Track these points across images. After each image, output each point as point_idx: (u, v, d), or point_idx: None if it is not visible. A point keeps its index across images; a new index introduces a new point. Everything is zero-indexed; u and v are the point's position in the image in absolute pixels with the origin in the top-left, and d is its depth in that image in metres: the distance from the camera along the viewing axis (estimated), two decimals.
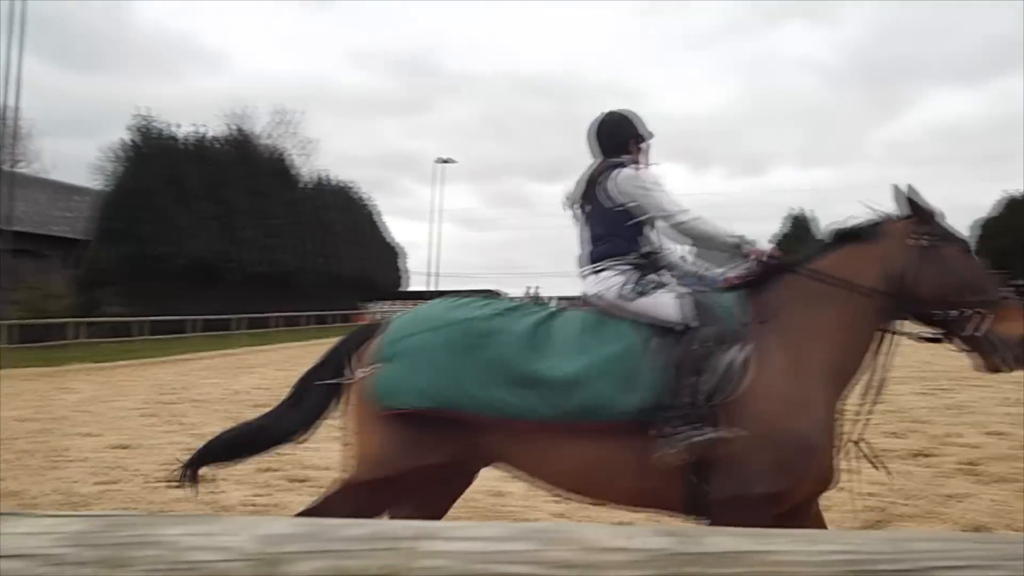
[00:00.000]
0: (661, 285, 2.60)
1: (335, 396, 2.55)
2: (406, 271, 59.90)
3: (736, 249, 2.67)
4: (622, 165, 2.76)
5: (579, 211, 2.82)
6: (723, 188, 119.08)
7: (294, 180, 41.03)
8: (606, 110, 2.95)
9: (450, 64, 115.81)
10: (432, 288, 51.68)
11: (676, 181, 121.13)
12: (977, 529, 4.13)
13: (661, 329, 2.45)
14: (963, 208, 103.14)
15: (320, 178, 45.34)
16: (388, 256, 56.68)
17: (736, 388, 2.29)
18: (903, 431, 7.11)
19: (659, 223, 2.72)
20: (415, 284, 60.55)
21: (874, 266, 2.53)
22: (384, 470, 2.36)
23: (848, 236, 2.66)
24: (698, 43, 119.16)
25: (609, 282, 2.63)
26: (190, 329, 26.15)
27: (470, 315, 2.49)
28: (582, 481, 2.42)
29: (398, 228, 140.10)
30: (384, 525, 0.81)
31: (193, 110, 54.36)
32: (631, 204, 2.68)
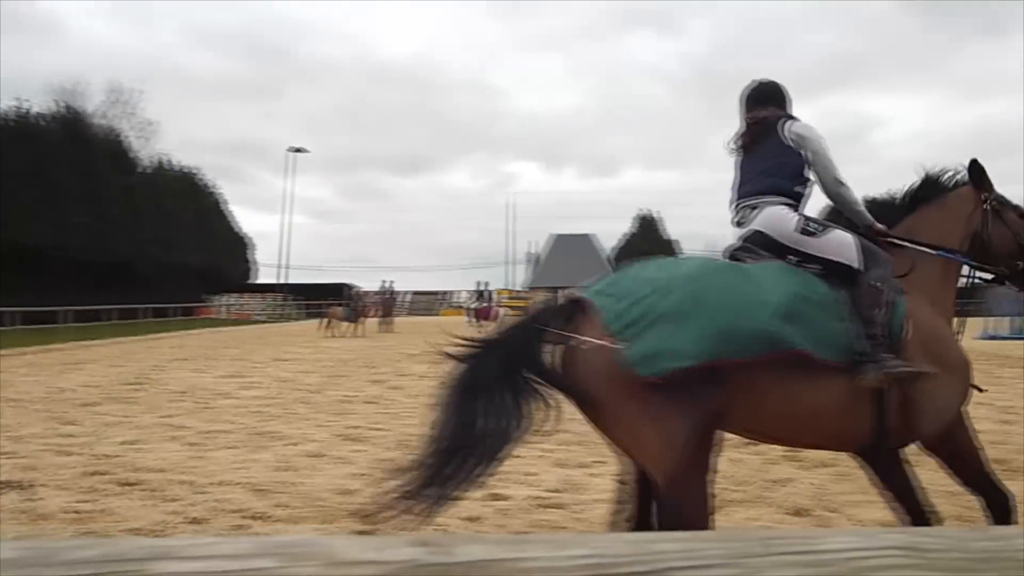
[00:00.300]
0: (829, 226, 2.76)
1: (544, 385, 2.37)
2: (254, 263, 57.43)
3: (867, 224, 3.00)
4: (793, 118, 2.93)
5: (740, 150, 2.98)
6: (577, 187, 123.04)
7: (131, 164, 38.26)
8: (759, 78, 3.13)
9: (303, 50, 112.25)
10: (282, 281, 49.82)
11: (531, 178, 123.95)
12: (798, 512, 4.37)
13: (837, 267, 2.61)
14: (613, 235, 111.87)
15: (161, 162, 42.57)
16: (235, 247, 54.07)
17: (907, 325, 2.51)
18: None
19: (824, 176, 2.92)
20: (264, 276, 58.21)
21: (959, 227, 2.93)
22: (681, 443, 2.21)
23: (923, 197, 3.04)
24: (555, 44, 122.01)
25: (783, 214, 2.74)
26: (8, 322, 23.79)
27: (681, 272, 2.42)
28: (792, 424, 2.45)
29: (246, 218, 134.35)
30: (115, 545, 0.68)
31: (14, 83, 49.62)
32: (801, 150, 2.84)
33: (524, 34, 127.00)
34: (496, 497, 4.70)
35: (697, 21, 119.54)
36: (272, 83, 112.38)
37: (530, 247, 76.62)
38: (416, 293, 69.87)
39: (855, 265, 2.62)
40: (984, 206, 2.99)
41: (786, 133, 2.87)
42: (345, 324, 25.72)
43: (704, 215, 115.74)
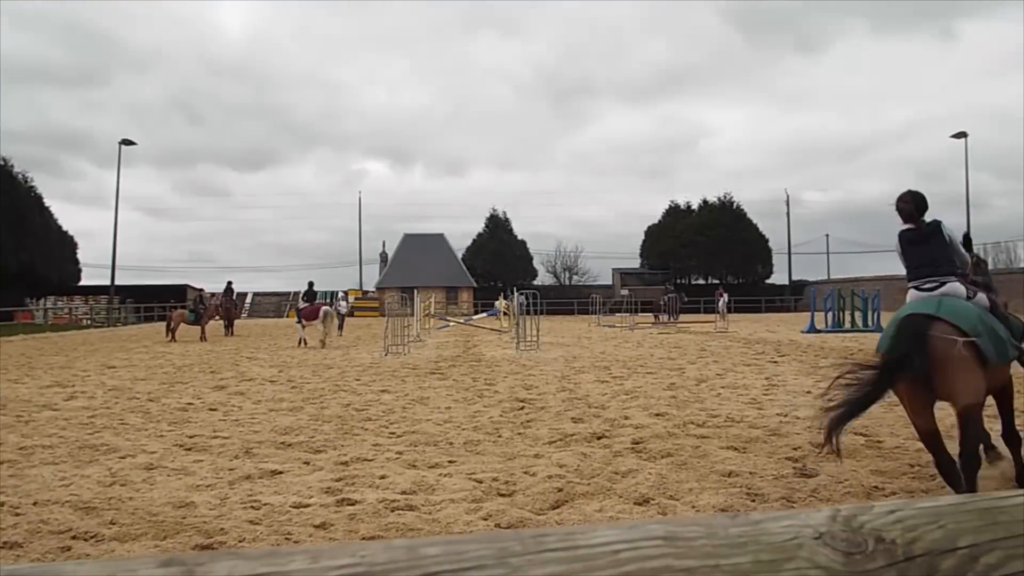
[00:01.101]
0: (976, 290, 4.61)
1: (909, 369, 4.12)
2: (80, 263, 52.94)
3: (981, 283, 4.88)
4: (940, 221, 4.73)
5: (916, 244, 4.71)
6: (427, 186, 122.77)
7: None
8: (910, 188, 4.87)
9: (130, 37, 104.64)
10: (113, 283, 46.12)
11: (380, 177, 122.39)
12: (644, 501, 4.57)
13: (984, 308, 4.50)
14: (638, 216, 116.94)
15: None
16: (58, 246, 49.62)
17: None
18: (585, 416, 7.74)
19: (960, 257, 4.74)
20: (94, 278, 53.80)
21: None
22: (984, 394, 4.29)
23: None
24: (400, 43, 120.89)
25: (958, 287, 4.52)
26: None
27: (973, 308, 4.38)
28: (973, 395, 4.15)
29: (70, 215, 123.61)
30: None
31: None
32: (952, 245, 4.67)
33: (368, 32, 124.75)
34: (346, 502, 4.60)
35: (540, 25, 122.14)
36: (96, 70, 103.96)
37: (383, 247, 75.21)
38: (260, 294, 67.18)
39: (990, 306, 4.61)
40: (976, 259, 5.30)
41: (946, 233, 4.65)
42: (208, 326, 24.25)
43: (551, 216, 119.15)
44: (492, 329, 27.99)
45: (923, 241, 4.70)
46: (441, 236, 70.74)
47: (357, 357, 16.69)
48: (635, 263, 74.68)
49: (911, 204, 4.78)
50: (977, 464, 4.16)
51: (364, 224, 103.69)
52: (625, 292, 53.91)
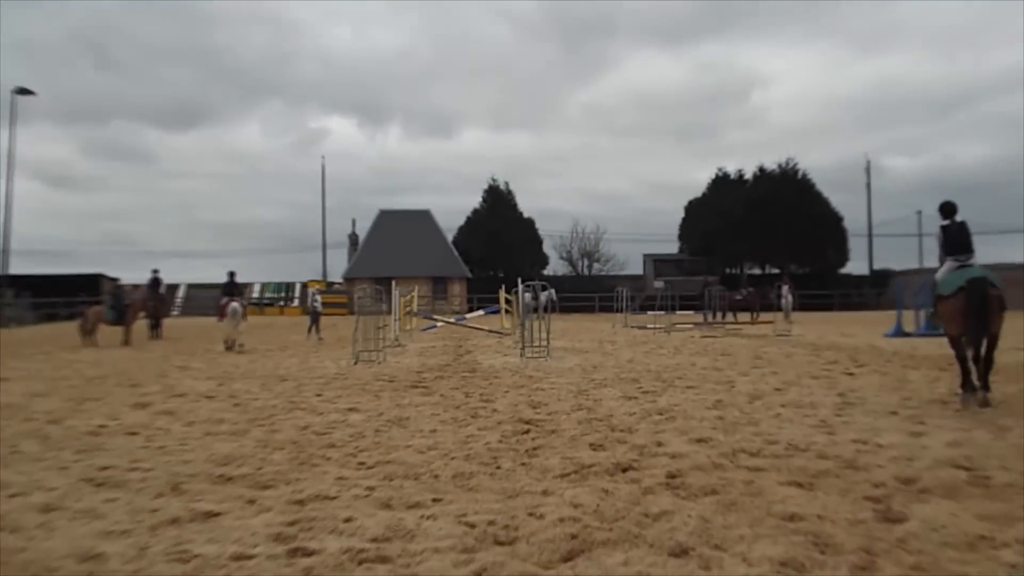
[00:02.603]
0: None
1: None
2: None
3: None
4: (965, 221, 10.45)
5: (954, 234, 10.27)
6: (406, 150, 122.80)
7: None
8: (946, 199, 10.66)
9: None
10: (6, 272, 46.11)
11: (346, 138, 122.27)
12: (681, 552, 4.52)
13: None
14: (675, 188, 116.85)
15: None
16: None
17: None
18: (607, 442, 7.69)
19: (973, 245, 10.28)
20: None
21: None
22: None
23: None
24: None
25: (976, 260, 10.06)
26: None
27: (993, 274, 9.82)
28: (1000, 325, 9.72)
29: None
30: None
31: None
32: (970, 235, 10.29)
33: None
34: (300, 552, 4.55)
35: None
36: None
37: (352, 227, 75.27)
38: (195, 287, 67.31)
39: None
40: None
41: (969, 230, 10.28)
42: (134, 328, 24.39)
43: (565, 188, 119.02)
44: (490, 331, 27.98)
45: (959, 231, 10.31)
46: (426, 213, 70.86)
47: (318, 366, 16.68)
48: (672, 247, 74.85)
49: (951, 208, 10.46)
50: (992, 364, 9.62)
51: (328, 198, 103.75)
52: (659, 284, 53.98)
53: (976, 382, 9.65)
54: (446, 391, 12.06)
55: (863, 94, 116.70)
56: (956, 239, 10.30)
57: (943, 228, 10.42)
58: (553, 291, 45.40)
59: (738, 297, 38.81)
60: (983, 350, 9.52)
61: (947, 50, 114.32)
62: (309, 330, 27.54)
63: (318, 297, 30.40)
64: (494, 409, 10.06)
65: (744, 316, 37.68)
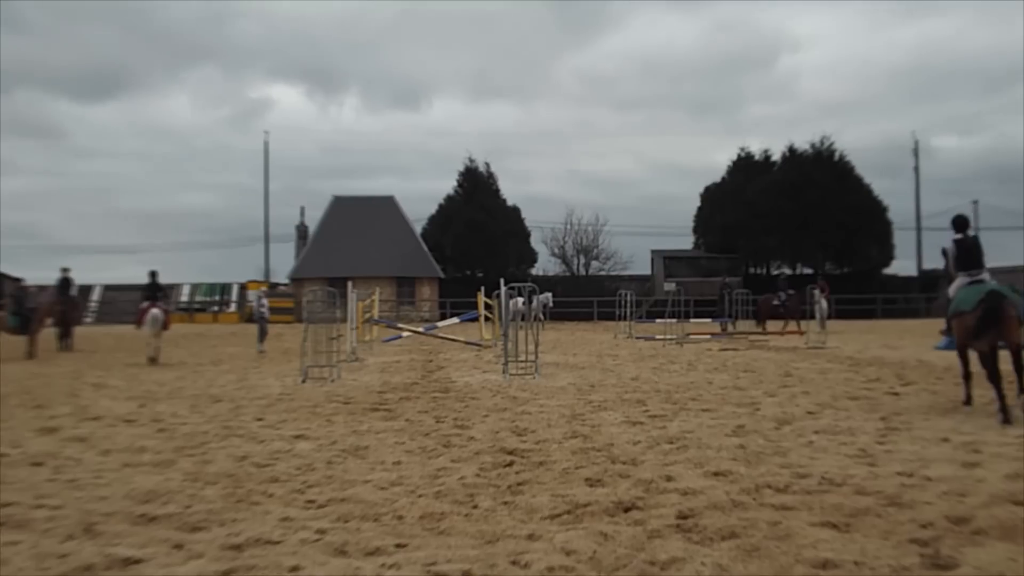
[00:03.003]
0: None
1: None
2: None
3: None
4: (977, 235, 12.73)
5: (967, 248, 12.20)
6: (365, 125, 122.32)
7: None
8: (959, 213, 12.84)
9: None
10: None
11: (293, 110, 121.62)
12: None
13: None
14: (689, 171, 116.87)
15: None
16: None
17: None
18: (607, 476, 7.71)
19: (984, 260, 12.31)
20: None
21: None
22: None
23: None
24: None
25: (987, 276, 12.06)
26: None
27: (1009, 288, 11.82)
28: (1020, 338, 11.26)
29: None
30: None
31: None
32: (982, 250, 12.29)
33: None
34: None
35: None
36: None
37: (301, 216, 75.09)
38: (113, 288, 66.94)
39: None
40: None
41: (981, 245, 12.28)
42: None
43: (557, 170, 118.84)
44: (467, 343, 27.97)
45: (972, 246, 12.15)
46: (389, 200, 70.79)
47: (259, 384, 16.66)
48: (686, 242, 75.01)
49: (963, 222, 12.39)
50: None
51: (272, 182, 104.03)
52: (671, 286, 54.03)
53: (970, 393, 12.17)
54: (413, 415, 12.07)
55: (909, 62, 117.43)
56: (969, 254, 12.15)
57: (956, 243, 12.26)
58: (549, 296, 45.43)
59: (776, 302, 38.51)
60: (1020, 358, 11.17)
61: (1005, 13, 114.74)
62: (261, 340, 27.50)
63: (265, 301, 30.30)
64: (471, 437, 10.08)
65: (777, 325, 37.41)
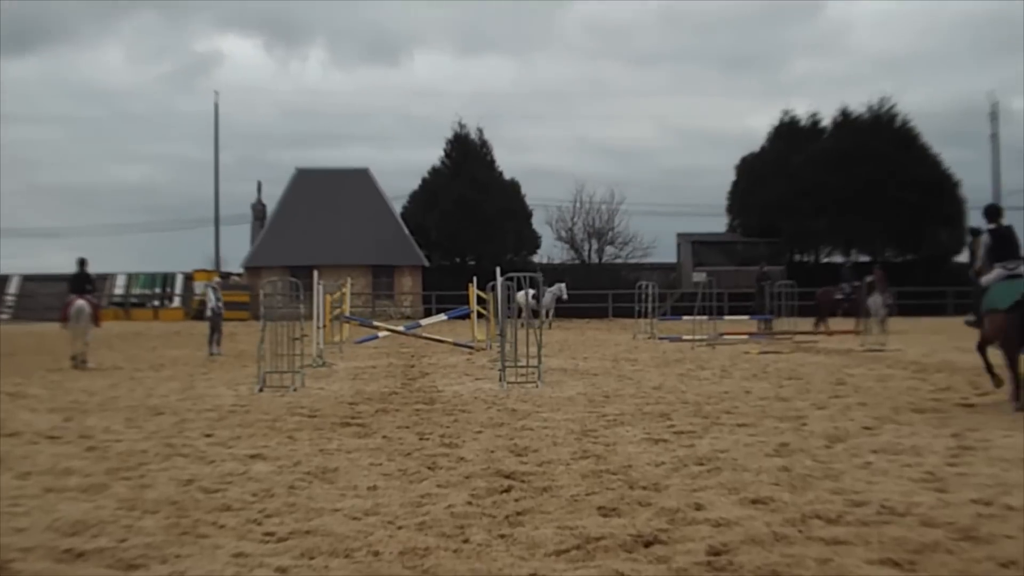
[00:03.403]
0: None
1: None
2: None
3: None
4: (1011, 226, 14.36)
5: (1004, 239, 13.71)
6: (331, 84, 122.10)
7: None
8: (991, 203, 16.48)
9: None
10: None
11: (248, 66, 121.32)
12: None
13: None
14: (721, 140, 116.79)
15: None
16: None
17: None
18: (624, 504, 7.71)
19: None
20: None
21: None
22: None
23: None
24: None
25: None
26: None
27: None
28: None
29: None
30: None
31: None
32: (1018, 240, 13.99)
33: None
34: None
35: None
36: None
37: (258, 192, 75.01)
38: (32, 279, 66.91)
39: None
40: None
41: (1015, 234, 13.78)
42: None
43: (563, 138, 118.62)
44: (457, 344, 27.96)
45: (1008, 236, 13.55)
46: (363, 174, 70.87)
47: (209, 394, 16.66)
48: (718, 224, 75.15)
49: (997, 212, 14.03)
50: None
51: (223, 152, 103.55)
52: (701, 277, 54.12)
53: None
54: (391, 431, 12.07)
55: (985, 8, 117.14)
56: (1005, 245, 13.61)
57: (991, 232, 13.81)
58: (563, 287, 45.43)
59: (839, 296, 38.16)
60: None
61: None
62: (211, 341, 27.52)
63: (220, 293, 30.23)
64: (460, 457, 10.08)
65: (843, 323, 36.88)
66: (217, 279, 36.04)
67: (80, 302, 22.69)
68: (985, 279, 13.71)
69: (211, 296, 29.57)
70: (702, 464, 9.45)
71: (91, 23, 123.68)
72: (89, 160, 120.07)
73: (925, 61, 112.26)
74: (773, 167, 69.47)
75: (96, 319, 23.51)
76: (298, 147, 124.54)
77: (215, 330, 27.77)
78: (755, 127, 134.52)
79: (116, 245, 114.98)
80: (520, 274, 19.84)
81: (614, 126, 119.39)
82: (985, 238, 13.82)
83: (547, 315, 45.02)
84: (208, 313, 29.16)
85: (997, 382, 14.18)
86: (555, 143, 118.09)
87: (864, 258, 66.84)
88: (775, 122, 74.18)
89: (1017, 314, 12.57)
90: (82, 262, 24.36)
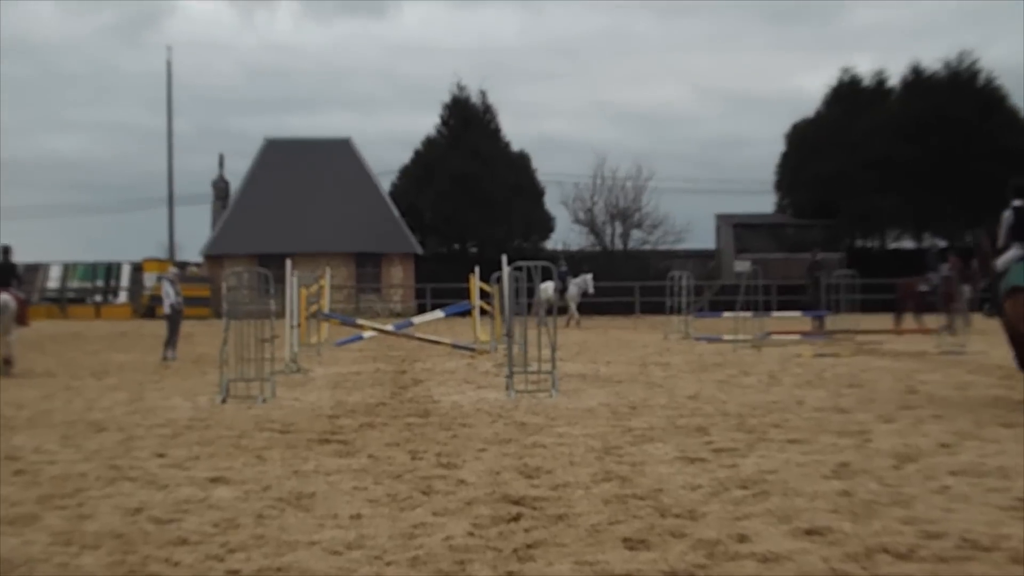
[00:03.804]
0: None
1: None
2: None
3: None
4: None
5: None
6: (304, 38, 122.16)
7: None
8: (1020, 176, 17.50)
9: None
10: None
11: (205, 18, 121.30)
12: None
13: None
14: (766, 103, 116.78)
15: None
16: None
17: None
18: (654, 535, 7.70)
19: None
20: None
21: None
22: None
23: None
24: None
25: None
26: None
27: None
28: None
29: None
30: None
31: None
32: None
33: None
34: None
35: None
36: None
37: (219, 167, 75.08)
38: None
39: None
40: None
41: None
42: None
43: (576, 101, 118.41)
44: (456, 346, 28.01)
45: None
46: (344, 145, 71.00)
47: (161, 406, 16.70)
48: (764, 203, 75.11)
49: None
50: None
51: (177, 119, 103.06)
52: (744, 266, 54.02)
53: None
54: (379, 449, 12.09)
55: None
56: None
57: (1016, 210, 15.20)
58: (589, 278, 45.49)
59: (924, 288, 37.86)
60: None
61: None
62: (167, 344, 27.59)
63: (179, 286, 30.21)
64: (460, 480, 10.08)
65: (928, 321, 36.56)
66: (173, 270, 36.03)
67: (4, 296, 22.65)
68: (1002, 260, 14.87)
69: (169, 290, 29.51)
70: (746, 487, 9.45)
71: None
72: (15, 129, 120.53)
73: (1014, 7, 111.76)
74: (830, 136, 69.37)
75: (23, 317, 23.50)
76: (267, 113, 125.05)
77: (174, 331, 27.78)
78: (808, 88, 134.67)
79: (49, 230, 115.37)
80: (531, 263, 19.82)
81: (639, 88, 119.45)
82: (1008, 215, 15.16)
83: (573, 310, 45.09)
84: (167, 310, 29.12)
85: None
86: (570, 108, 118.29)
87: (940, 242, 66.75)
88: (832, 82, 74.21)
89: None
90: (5, 250, 24.25)
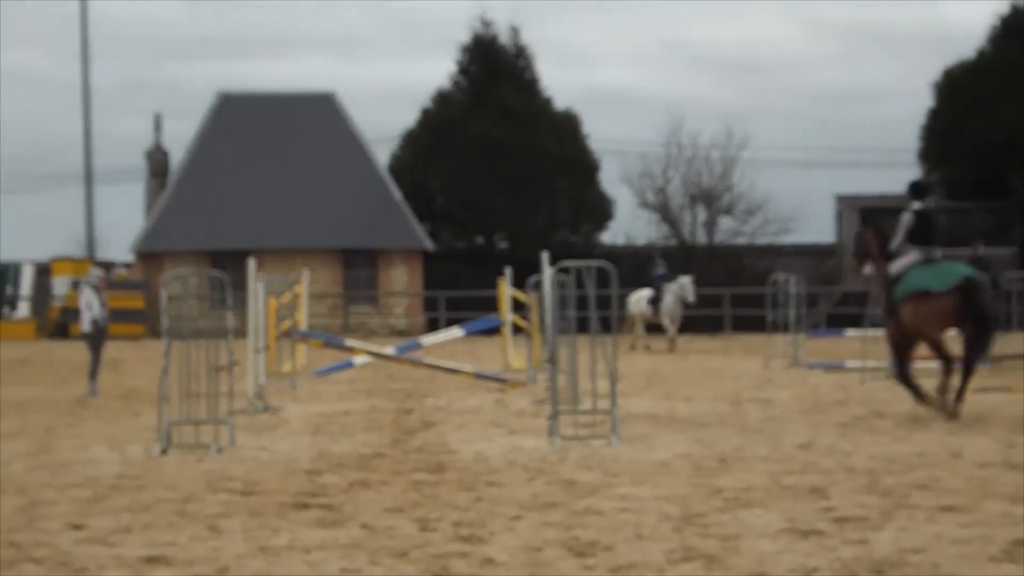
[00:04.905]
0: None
1: None
2: None
3: None
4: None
5: (930, 222, 21.30)
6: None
7: None
8: (918, 179, 31.40)
9: None
10: None
11: None
12: None
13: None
14: (908, 42, 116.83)
15: None
16: None
17: None
18: (695, 555, 7.70)
19: None
20: None
21: None
22: None
23: None
24: None
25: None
26: None
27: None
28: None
29: None
30: None
31: None
32: None
33: None
34: None
35: None
36: None
37: (155, 131, 75.32)
38: None
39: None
40: None
41: (937, 218, 26.25)
42: None
43: (639, 42, 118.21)
44: (479, 376, 28.06)
45: (931, 218, 20.19)
46: (327, 100, 71.20)
47: (79, 458, 16.80)
48: (902, 181, 74.91)
49: (923, 189, 21.86)
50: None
51: (94, 65, 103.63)
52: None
53: (948, 397, 17.55)
54: (375, 516, 12.12)
55: None
56: (927, 227, 18.00)
57: (916, 213, 18.23)
58: (687, 283, 45.48)
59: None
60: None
61: None
62: (92, 372, 27.77)
63: (104, 296, 30.29)
64: (487, 559, 10.10)
65: None
66: (96, 272, 36.05)
67: None
68: (897, 265, 17.94)
69: (91, 301, 29.31)
70: (881, 572, 9.44)
71: None
72: None
73: None
74: (997, 86, 69.18)
75: None
76: (218, 57, 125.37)
77: (96, 357, 27.93)
78: (961, 21, 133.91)
79: None
80: (583, 263, 19.78)
81: (724, 22, 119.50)
82: (907, 218, 18.19)
83: (672, 330, 44.81)
84: (87, 327, 29.09)
85: (921, 396, 18.82)
86: (631, 51, 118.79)
87: None
88: (1001, 9, 74.06)
89: (956, 299, 16.58)
90: None
